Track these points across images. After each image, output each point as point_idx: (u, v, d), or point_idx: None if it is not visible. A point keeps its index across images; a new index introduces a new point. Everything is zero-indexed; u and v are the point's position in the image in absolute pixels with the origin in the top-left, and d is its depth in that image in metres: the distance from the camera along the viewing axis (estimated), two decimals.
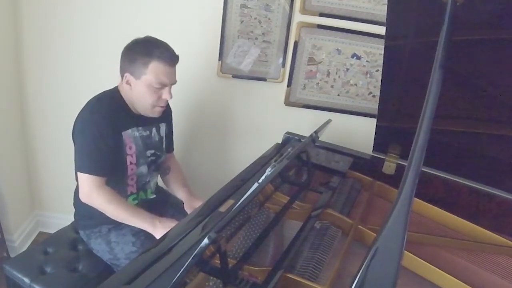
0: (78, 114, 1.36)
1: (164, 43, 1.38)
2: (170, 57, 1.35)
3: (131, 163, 1.42)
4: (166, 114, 1.58)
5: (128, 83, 1.37)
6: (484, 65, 1.14)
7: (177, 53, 1.39)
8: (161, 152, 1.55)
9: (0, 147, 1.84)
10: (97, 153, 1.32)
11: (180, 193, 1.60)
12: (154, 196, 1.56)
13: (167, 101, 1.41)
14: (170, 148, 1.66)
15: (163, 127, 1.55)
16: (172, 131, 1.67)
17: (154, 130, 1.50)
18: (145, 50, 1.33)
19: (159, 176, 1.62)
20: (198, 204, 1.43)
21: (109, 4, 1.77)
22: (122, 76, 1.40)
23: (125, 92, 1.40)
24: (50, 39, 1.83)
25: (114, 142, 1.35)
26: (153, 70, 1.33)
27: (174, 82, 1.41)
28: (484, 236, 1.25)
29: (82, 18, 1.79)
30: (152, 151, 1.50)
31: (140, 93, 1.36)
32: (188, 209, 1.51)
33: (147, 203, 1.51)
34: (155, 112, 1.42)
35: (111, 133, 1.34)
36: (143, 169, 1.47)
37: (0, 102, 1.80)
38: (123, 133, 1.39)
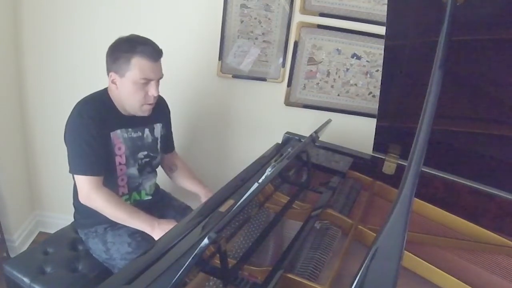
0: (68, 118, 1.36)
1: (147, 39, 1.35)
2: (152, 51, 1.32)
3: (120, 163, 1.42)
4: (163, 114, 1.57)
5: (113, 82, 1.36)
6: (484, 65, 1.14)
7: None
8: (156, 153, 1.53)
9: (0, 147, 1.84)
10: (90, 153, 1.31)
11: (192, 187, 1.60)
12: (150, 197, 1.54)
13: (155, 97, 1.38)
14: (168, 148, 1.65)
15: (157, 127, 1.53)
16: (171, 130, 1.65)
17: (147, 131, 1.48)
18: (127, 47, 1.31)
19: (156, 178, 1.60)
20: (211, 194, 1.42)
21: (108, 4, 1.77)
22: (108, 77, 1.38)
23: (113, 92, 1.39)
24: (50, 39, 1.83)
25: (103, 142, 1.35)
26: (136, 65, 1.30)
27: (160, 76, 1.38)
28: (484, 236, 1.25)
29: (81, 18, 1.79)
30: (145, 153, 1.48)
31: (126, 91, 1.34)
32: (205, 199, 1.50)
33: (142, 204, 1.49)
34: (145, 111, 1.40)
35: (100, 133, 1.34)
36: (133, 170, 1.46)
37: (0, 102, 1.80)
38: (111, 134, 1.38)
